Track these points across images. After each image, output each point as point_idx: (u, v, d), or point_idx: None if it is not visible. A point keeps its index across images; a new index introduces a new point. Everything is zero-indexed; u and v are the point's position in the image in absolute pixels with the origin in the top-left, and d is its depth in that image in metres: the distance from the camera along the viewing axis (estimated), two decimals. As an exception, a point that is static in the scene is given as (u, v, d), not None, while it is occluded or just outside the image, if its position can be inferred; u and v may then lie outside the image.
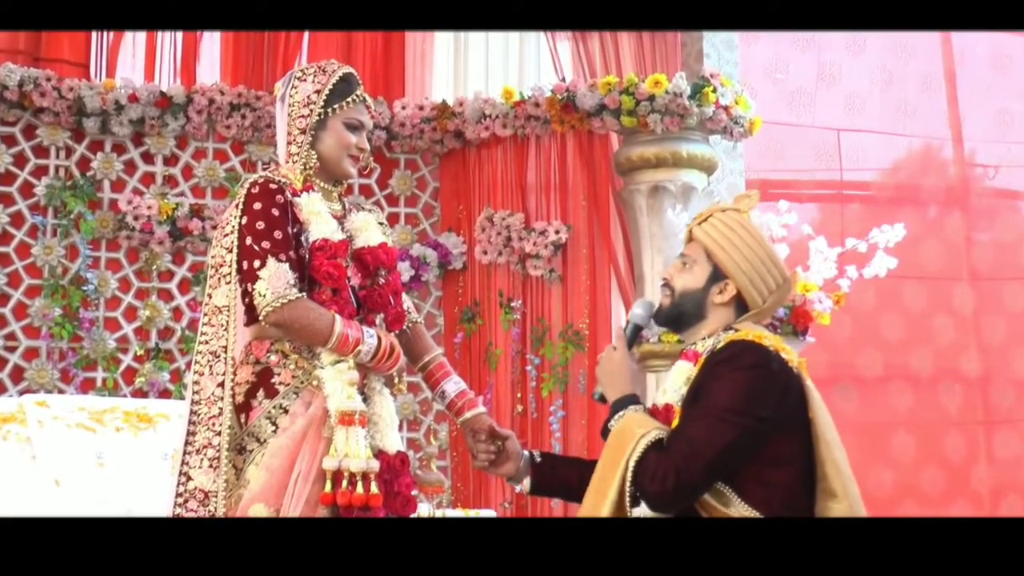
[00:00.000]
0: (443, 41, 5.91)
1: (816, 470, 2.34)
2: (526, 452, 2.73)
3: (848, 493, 2.33)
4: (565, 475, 2.68)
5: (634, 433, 2.30)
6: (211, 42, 5.64)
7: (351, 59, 5.55)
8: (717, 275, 2.46)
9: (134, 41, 5.58)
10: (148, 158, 5.40)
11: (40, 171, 5.26)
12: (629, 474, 2.26)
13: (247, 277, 2.53)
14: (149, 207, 5.24)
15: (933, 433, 6.31)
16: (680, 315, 2.50)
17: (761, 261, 2.45)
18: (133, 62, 5.54)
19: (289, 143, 2.70)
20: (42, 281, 5.19)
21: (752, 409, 2.27)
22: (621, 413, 2.39)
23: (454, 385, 2.80)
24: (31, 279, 5.20)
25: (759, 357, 2.32)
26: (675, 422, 2.36)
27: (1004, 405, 6.43)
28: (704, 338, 2.46)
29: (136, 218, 5.23)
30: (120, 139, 5.34)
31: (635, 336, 2.56)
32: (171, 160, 5.43)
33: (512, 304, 5.43)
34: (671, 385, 2.45)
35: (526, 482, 2.71)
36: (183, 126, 5.36)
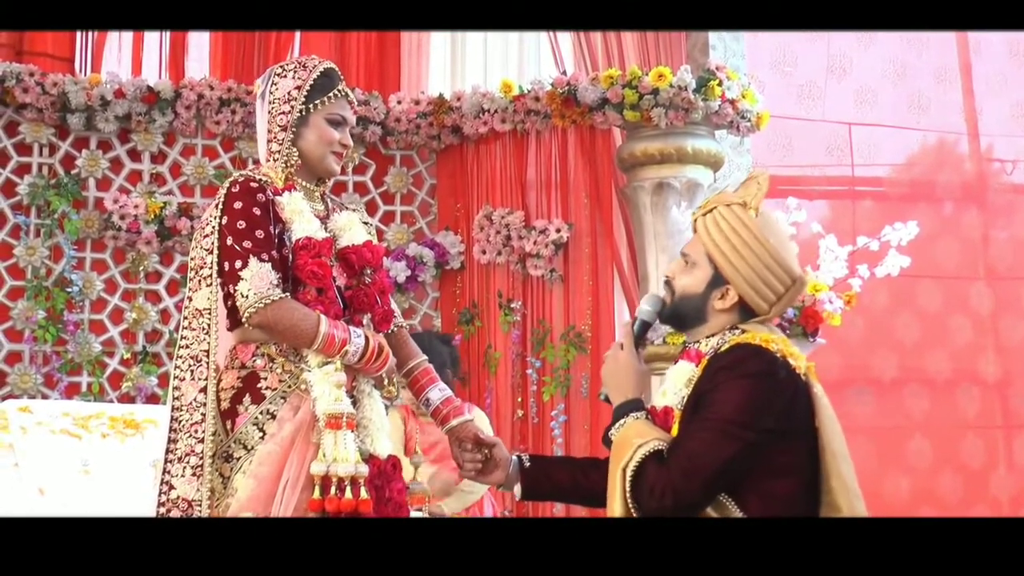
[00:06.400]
0: (440, 33, 5.82)
1: (821, 483, 2.24)
2: (514, 457, 2.67)
3: (853, 510, 2.22)
4: (557, 478, 2.61)
5: (632, 443, 2.22)
6: (200, 36, 5.56)
7: (344, 51, 5.55)
8: (718, 280, 2.33)
9: (120, 35, 5.51)
10: (135, 155, 5.32)
11: (23, 169, 5.19)
12: (628, 485, 2.19)
13: (229, 279, 2.49)
14: (136, 206, 5.16)
15: (950, 438, 6.26)
16: (681, 317, 2.40)
17: (765, 266, 2.30)
18: (119, 56, 5.48)
19: (270, 141, 2.65)
20: (25, 283, 5.12)
21: (755, 422, 2.17)
22: (622, 421, 2.29)
23: (439, 392, 2.75)
24: (13, 281, 5.13)
25: (765, 364, 2.21)
26: (675, 428, 2.27)
27: (1024, 409, 6.34)
28: (708, 337, 2.35)
29: (122, 217, 5.15)
30: (106, 136, 5.26)
31: (643, 333, 2.45)
32: (158, 157, 5.35)
33: (512, 305, 5.35)
34: (671, 387, 2.34)
35: (517, 488, 2.64)
36: (171, 122, 5.28)
